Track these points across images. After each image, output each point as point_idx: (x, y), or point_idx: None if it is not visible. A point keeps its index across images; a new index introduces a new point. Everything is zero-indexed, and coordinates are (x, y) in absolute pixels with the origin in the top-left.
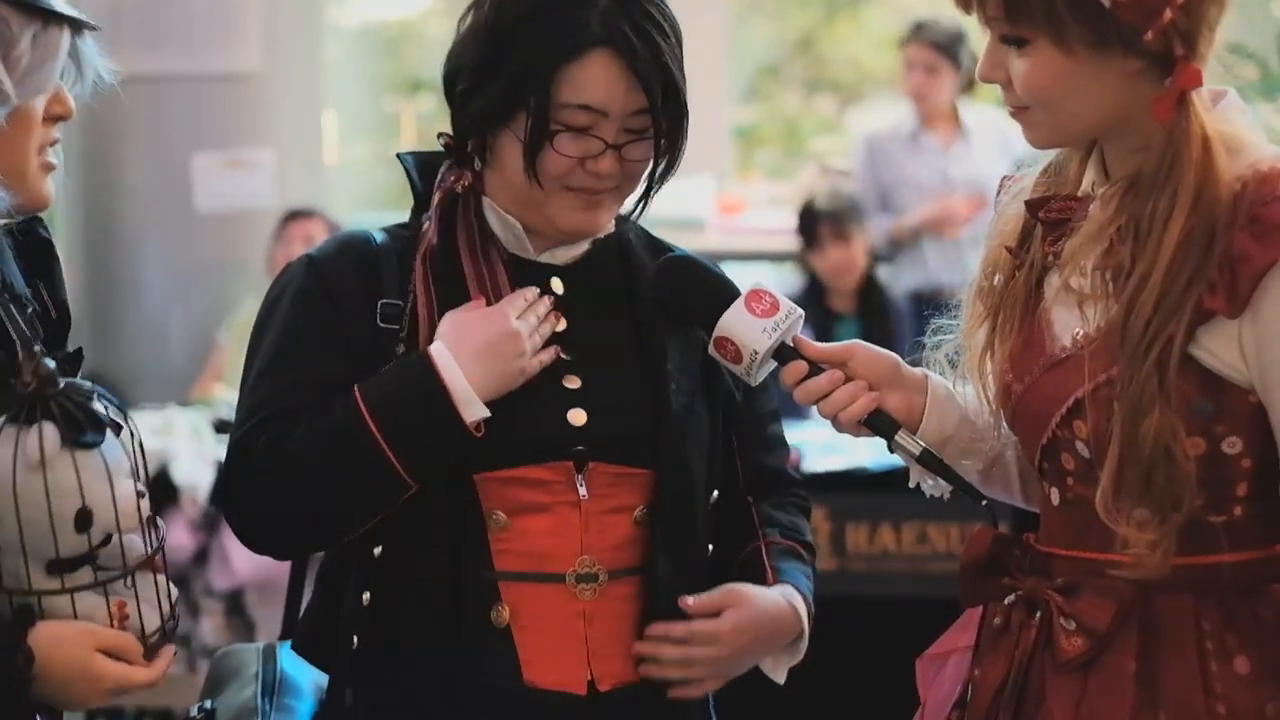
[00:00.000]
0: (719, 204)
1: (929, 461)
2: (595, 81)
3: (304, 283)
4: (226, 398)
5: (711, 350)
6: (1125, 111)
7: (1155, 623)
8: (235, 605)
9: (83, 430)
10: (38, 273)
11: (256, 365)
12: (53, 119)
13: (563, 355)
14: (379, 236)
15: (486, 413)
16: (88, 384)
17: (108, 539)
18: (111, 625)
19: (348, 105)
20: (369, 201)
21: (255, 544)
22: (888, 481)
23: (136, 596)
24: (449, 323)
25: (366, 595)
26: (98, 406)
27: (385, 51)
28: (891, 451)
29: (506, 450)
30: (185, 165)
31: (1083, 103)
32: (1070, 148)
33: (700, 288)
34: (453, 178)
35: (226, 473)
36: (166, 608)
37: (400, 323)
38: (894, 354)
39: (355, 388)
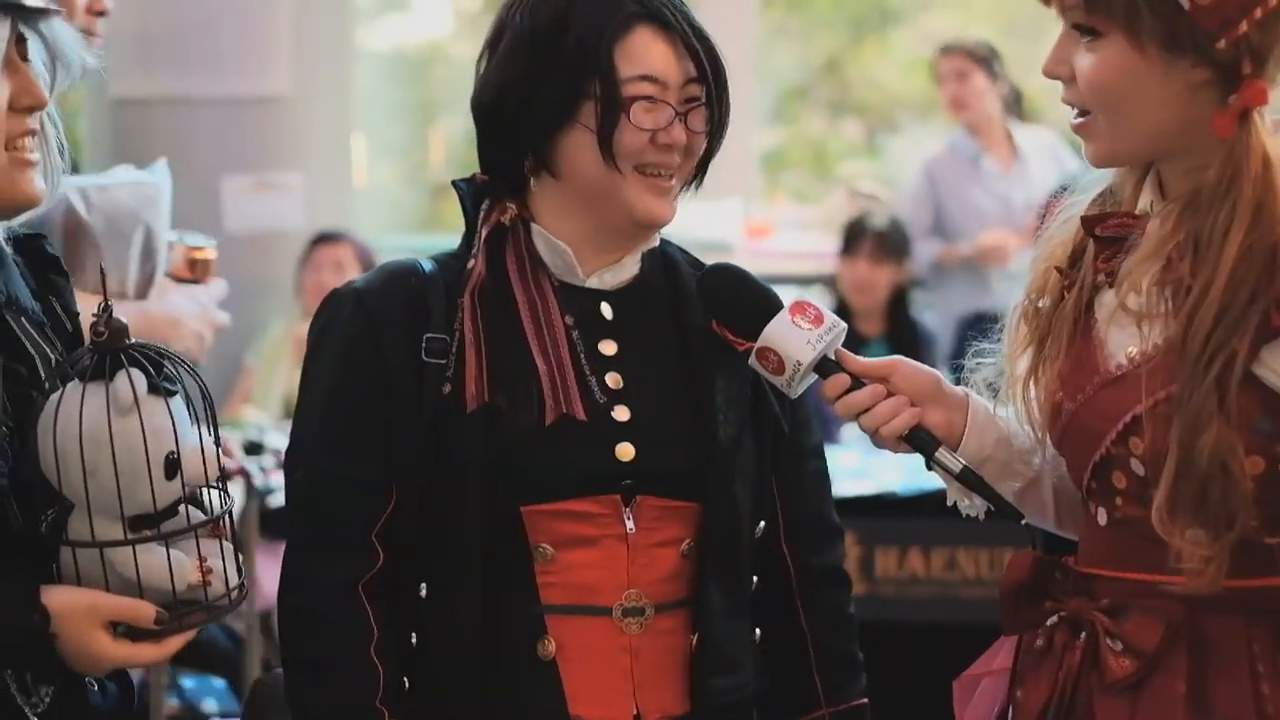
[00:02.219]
0: (746, 227)
1: (969, 479)
2: (649, 52)
3: (350, 323)
4: (255, 419)
5: (753, 361)
6: (1184, 125)
7: (1204, 644)
8: (266, 627)
9: (162, 379)
10: (47, 289)
11: (305, 404)
12: (24, 110)
13: (610, 385)
14: (428, 266)
15: None
16: (156, 344)
17: (185, 497)
18: (202, 580)
19: (376, 128)
20: (397, 224)
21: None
22: (916, 506)
23: (222, 553)
24: None
25: (414, 636)
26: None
27: (413, 75)
28: (930, 468)
29: (553, 484)
30: (215, 187)
31: (1144, 107)
32: (1127, 167)
33: (745, 297)
34: (498, 211)
35: (290, 510)
36: (239, 562)
37: (446, 358)
38: (935, 371)
39: None
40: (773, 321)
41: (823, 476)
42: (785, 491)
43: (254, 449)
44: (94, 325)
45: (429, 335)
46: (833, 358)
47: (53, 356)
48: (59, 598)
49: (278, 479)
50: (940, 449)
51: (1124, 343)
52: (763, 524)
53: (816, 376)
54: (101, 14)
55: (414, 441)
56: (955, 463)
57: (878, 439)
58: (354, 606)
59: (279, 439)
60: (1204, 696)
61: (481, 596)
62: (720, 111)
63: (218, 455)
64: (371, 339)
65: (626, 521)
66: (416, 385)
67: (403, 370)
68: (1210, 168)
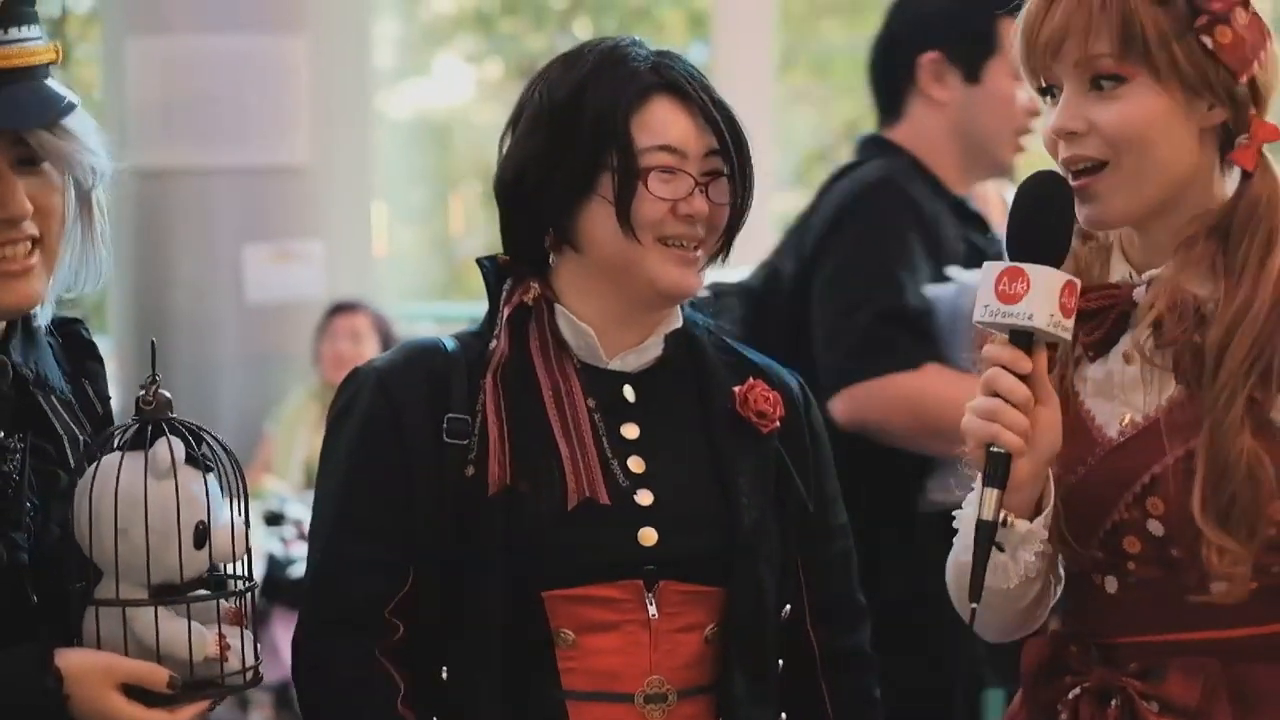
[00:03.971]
0: None
1: (984, 534)
2: (667, 122)
3: (371, 404)
4: (275, 489)
5: (998, 271)
6: (1192, 173)
7: (1246, 694)
8: (284, 698)
9: (200, 451)
10: (81, 372)
11: (324, 484)
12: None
13: (632, 469)
14: (450, 345)
15: None
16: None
17: (214, 572)
18: (220, 655)
19: (397, 195)
20: (418, 291)
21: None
22: None
23: (243, 629)
24: None
25: None
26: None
27: (433, 141)
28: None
29: (575, 569)
30: (236, 257)
31: (1167, 150)
32: (1092, 246)
33: (1054, 228)
34: (520, 290)
35: (304, 610)
36: (256, 646)
37: (468, 439)
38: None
39: None
40: (1052, 271)
41: (848, 557)
42: (811, 573)
43: (274, 519)
44: (140, 397)
45: (450, 415)
46: (1034, 340)
47: (81, 437)
48: (74, 659)
49: (298, 549)
50: (995, 490)
51: (1113, 413)
52: (788, 607)
53: (1002, 334)
54: None
55: (435, 523)
56: (991, 511)
57: (971, 427)
58: (376, 667)
59: (299, 509)
60: None
61: (502, 682)
62: (744, 184)
63: (246, 535)
64: (392, 420)
65: (649, 606)
66: (437, 466)
67: (423, 451)
68: (1205, 215)
